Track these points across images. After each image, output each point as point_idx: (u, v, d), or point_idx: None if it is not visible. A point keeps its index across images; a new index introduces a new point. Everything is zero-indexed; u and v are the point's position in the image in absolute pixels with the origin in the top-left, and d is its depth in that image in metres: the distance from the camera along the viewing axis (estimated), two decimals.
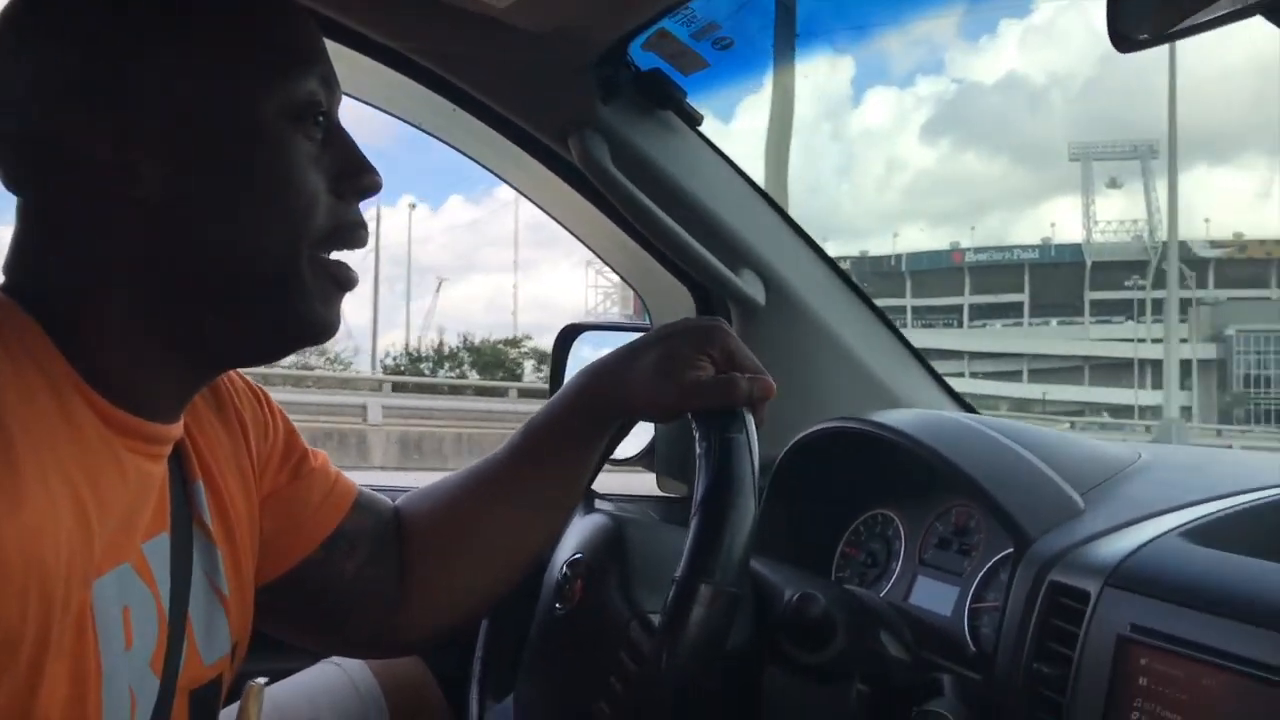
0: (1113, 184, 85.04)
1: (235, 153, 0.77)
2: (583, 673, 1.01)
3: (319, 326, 0.83)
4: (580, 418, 1.05)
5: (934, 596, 1.16)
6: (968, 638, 1.08)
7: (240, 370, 1.00)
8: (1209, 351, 73.83)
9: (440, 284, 76.15)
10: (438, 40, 1.28)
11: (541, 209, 1.56)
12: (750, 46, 1.32)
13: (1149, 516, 0.97)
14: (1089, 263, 77.21)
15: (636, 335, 1.63)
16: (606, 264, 1.64)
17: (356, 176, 0.84)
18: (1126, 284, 74.78)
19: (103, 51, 0.75)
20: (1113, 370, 70.49)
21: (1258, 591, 0.77)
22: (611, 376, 1.03)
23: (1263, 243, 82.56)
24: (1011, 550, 0.99)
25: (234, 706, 1.06)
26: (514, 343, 42.55)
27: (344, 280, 0.84)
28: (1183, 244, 79.78)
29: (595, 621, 1.02)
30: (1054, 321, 77.77)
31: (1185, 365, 75.51)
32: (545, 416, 1.06)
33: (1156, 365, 75.83)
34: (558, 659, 1.08)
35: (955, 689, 0.92)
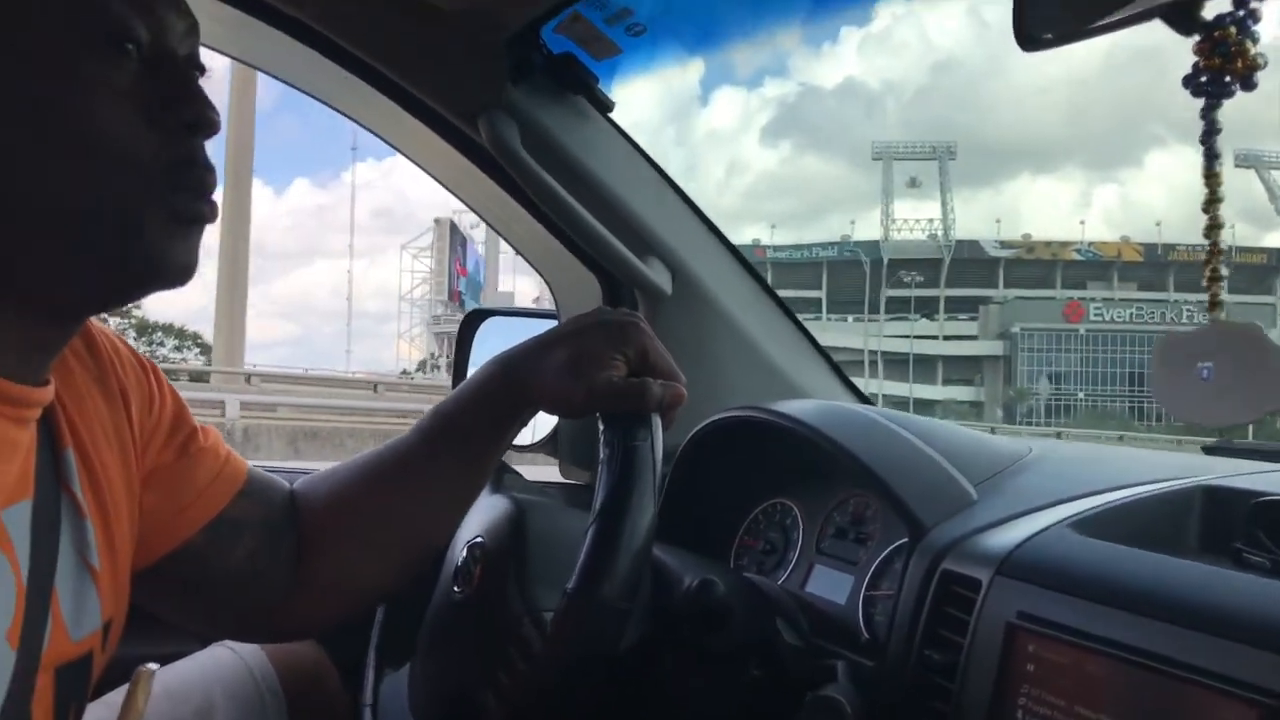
0: (912, 184, 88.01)
1: (22, 81, 0.72)
2: (474, 658, 1.01)
3: (163, 265, 0.78)
4: (488, 409, 1.03)
5: (830, 585, 1.17)
6: (862, 625, 1.09)
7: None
8: (996, 348, 77.02)
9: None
10: (343, 11, 1.25)
11: (449, 190, 1.54)
12: (663, 34, 1.31)
13: (1039, 508, 0.99)
14: (885, 260, 79.32)
15: (543, 323, 1.63)
16: (515, 249, 1.62)
17: (179, 108, 0.78)
18: (905, 280, 77.16)
19: None
20: (902, 365, 72.99)
21: (1140, 581, 0.80)
22: (521, 369, 1.01)
23: (1049, 244, 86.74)
24: (906, 540, 1.00)
25: (122, 689, 1.03)
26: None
27: (191, 215, 0.79)
28: (974, 243, 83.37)
29: (490, 611, 1.02)
30: (850, 318, 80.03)
31: (975, 361, 78.79)
32: (453, 403, 1.05)
33: (949, 361, 79.02)
34: (452, 642, 1.07)
35: (849, 675, 0.93)
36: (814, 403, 1.29)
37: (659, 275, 1.48)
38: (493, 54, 1.31)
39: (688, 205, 1.55)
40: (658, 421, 0.92)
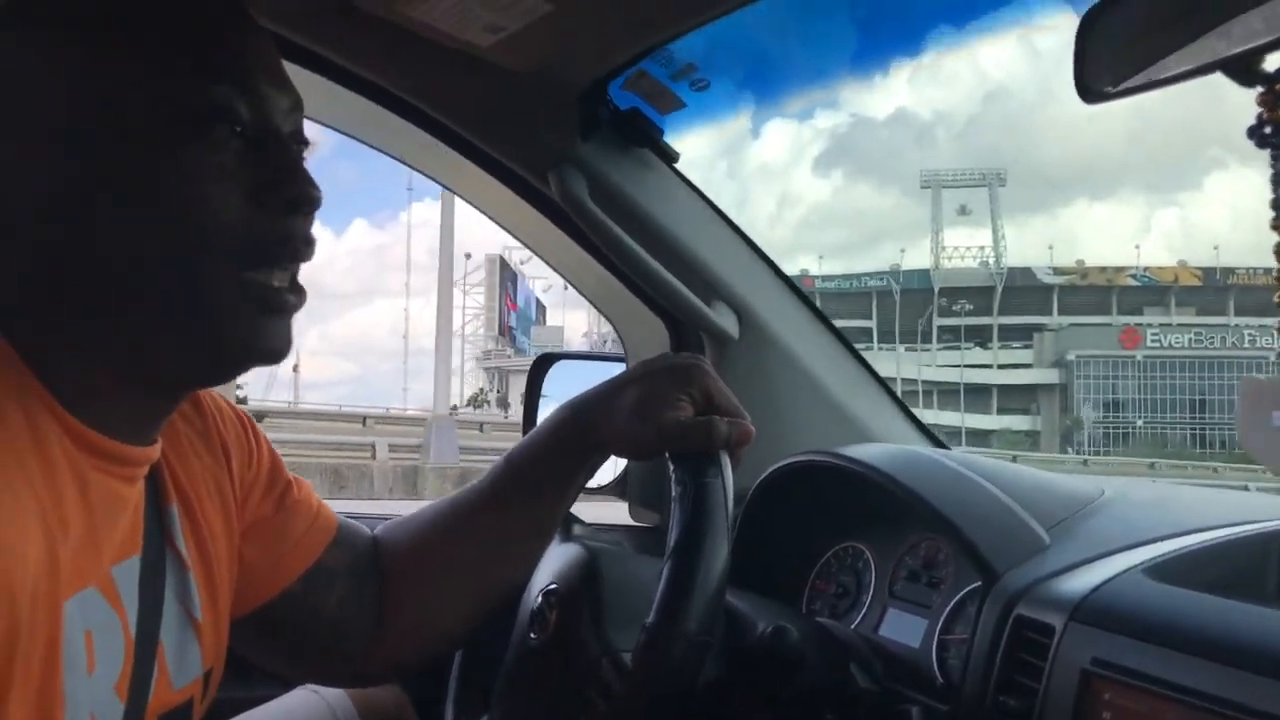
0: (962, 211, 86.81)
1: (122, 164, 0.74)
2: (554, 704, 1.03)
3: (246, 348, 0.80)
4: (559, 453, 1.06)
5: (903, 628, 1.18)
6: (936, 669, 1.10)
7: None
8: (1051, 376, 75.55)
9: None
10: (422, 77, 1.30)
11: (520, 240, 1.58)
12: (726, 87, 1.34)
13: (1112, 552, 1.00)
14: (936, 288, 78.23)
15: (611, 366, 1.66)
16: (583, 295, 1.66)
17: (282, 188, 0.79)
18: (954, 308, 76.02)
19: (3, 62, 0.75)
20: (955, 395, 71.83)
21: (1219, 628, 0.80)
22: (591, 413, 1.04)
23: (1103, 269, 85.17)
24: (979, 584, 1.01)
25: None
26: None
27: (272, 303, 0.80)
28: (1026, 270, 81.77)
29: (568, 655, 1.04)
30: (902, 348, 78.96)
31: (1030, 390, 77.26)
32: (524, 450, 1.08)
33: (1003, 390, 77.52)
34: (531, 689, 1.09)
35: None
36: (883, 447, 1.30)
37: (725, 320, 1.51)
38: (563, 112, 1.34)
39: (752, 249, 1.57)
40: (726, 460, 0.94)
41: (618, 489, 1.67)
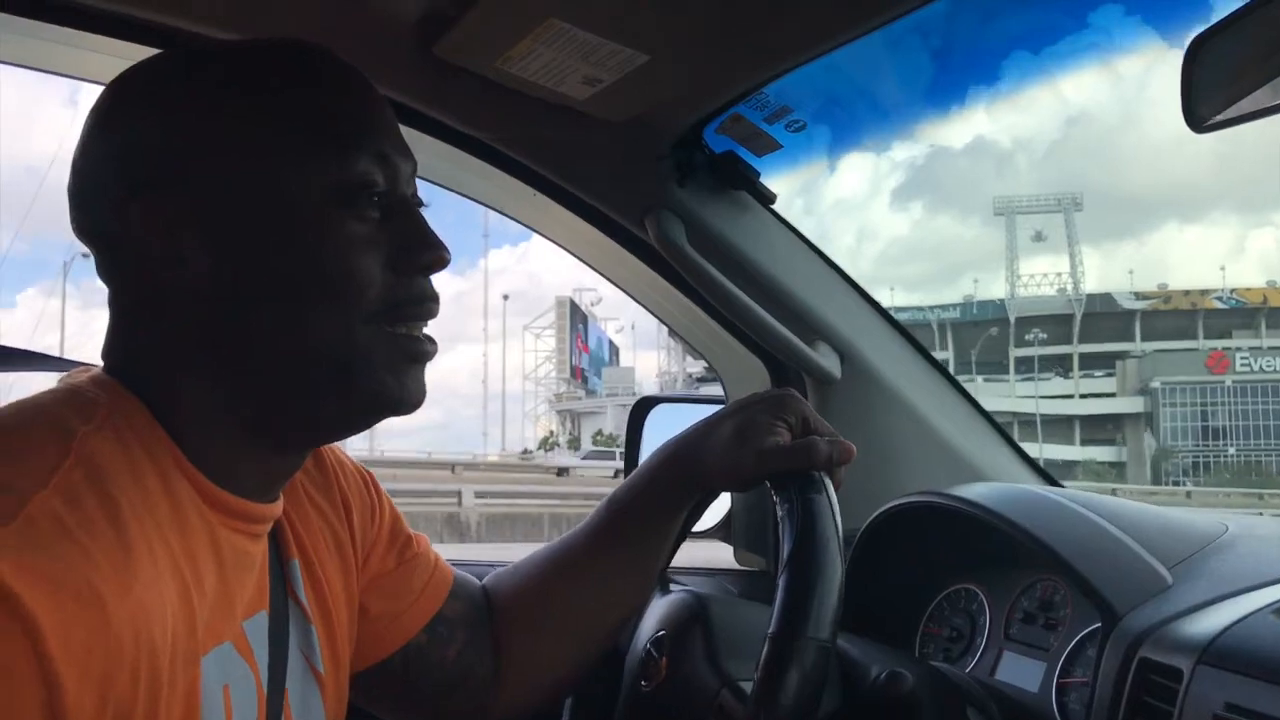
0: (1037, 238, 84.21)
1: (272, 239, 0.78)
2: None
3: (390, 400, 0.82)
4: (660, 493, 1.07)
5: (1021, 672, 1.15)
6: (1056, 714, 1.07)
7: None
8: (1136, 405, 72.54)
9: None
10: (520, 130, 1.32)
11: (618, 286, 1.59)
12: (822, 127, 1.34)
13: (1239, 592, 0.96)
14: (1012, 319, 75.87)
15: (710, 408, 1.66)
16: (682, 339, 1.66)
17: (417, 253, 0.82)
18: (1027, 338, 73.57)
19: (145, 146, 0.78)
20: (1035, 427, 69.51)
21: None
22: (690, 450, 1.05)
23: (1187, 293, 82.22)
24: (1099, 625, 0.98)
25: None
26: None
27: (415, 353, 0.83)
28: (1106, 296, 78.68)
29: (683, 695, 1.03)
30: (980, 379, 76.48)
31: (1115, 419, 73.99)
32: (626, 492, 1.09)
33: (1086, 420, 74.39)
34: None
35: None
36: (995, 486, 1.28)
37: (827, 360, 1.50)
38: (659, 159, 1.36)
39: (853, 288, 1.56)
40: (828, 480, 0.93)
41: (722, 532, 1.66)
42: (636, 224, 1.41)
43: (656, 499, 1.08)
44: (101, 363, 0.82)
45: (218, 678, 0.76)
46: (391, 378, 0.81)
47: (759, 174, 1.42)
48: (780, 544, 0.89)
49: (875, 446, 1.51)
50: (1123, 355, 77.02)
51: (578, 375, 69.74)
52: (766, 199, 1.46)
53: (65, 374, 0.83)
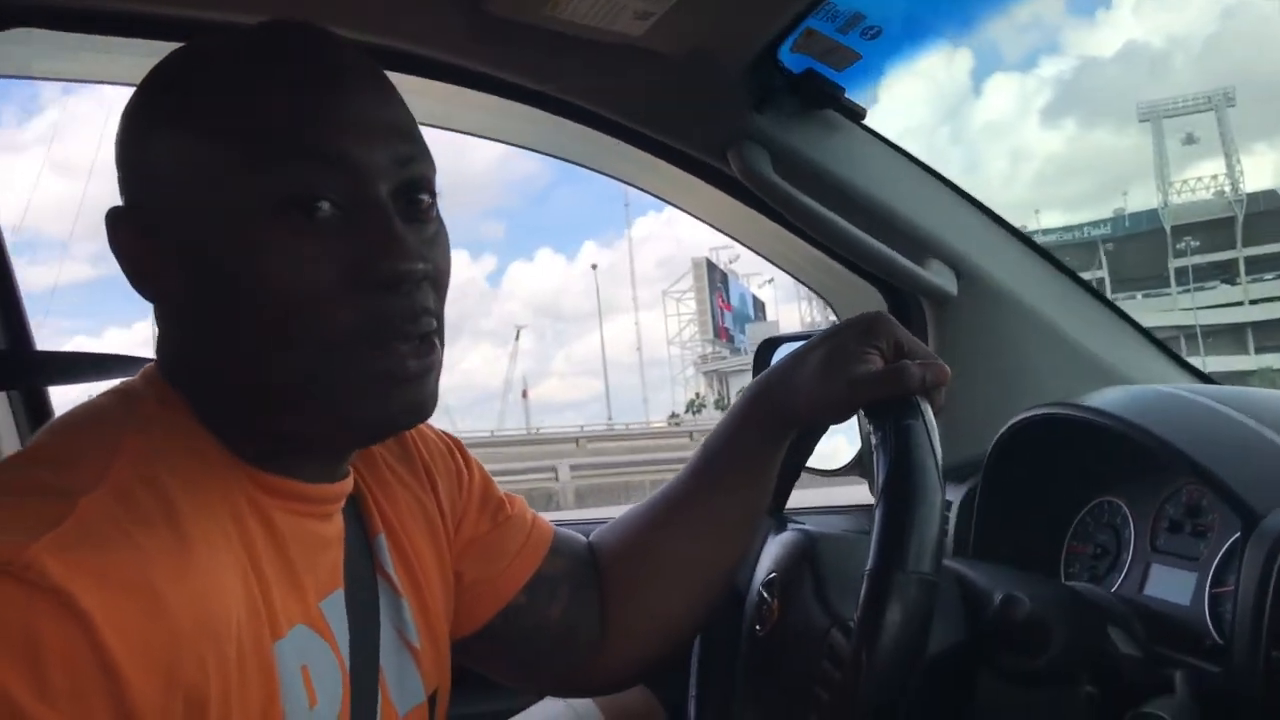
0: (1188, 140, 76.47)
1: (229, 259, 0.72)
2: (792, 690, 0.98)
3: (375, 424, 0.77)
4: (752, 433, 1.03)
5: (1171, 585, 1.06)
6: (1210, 627, 0.98)
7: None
8: None
9: (519, 332, 77.74)
10: (585, 78, 1.29)
11: (713, 226, 1.55)
12: (900, 30, 1.26)
13: None
14: (1168, 229, 69.83)
15: None
16: (787, 273, 1.60)
17: (378, 264, 0.72)
18: (1179, 247, 67.77)
19: (128, 161, 0.78)
20: (1209, 338, 64.32)
21: None
22: (778, 386, 1.01)
23: None
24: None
25: None
26: None
27: (396, 374, 0.75)
28: (1270, 193, 71.37)
29: (796, 636, 0.99)
30: (1139, 295, 69.89)
31: None
32: (719, 435, 1.05)
33: (1259, 327, 68.21)
34: (766, 680, 1.05)
35: (1189, 685, 0.83)
36: (1126, 390, 1.18)
37: (941, 277, 1.42)
38: (733, 87, 1.30)
39: (964, 199, 1.47)
40: (926, 405, 0.88)
41: (856, 469, 1.60)
42: (720, 159, 1.36)
43: (749, 440, 1.04)
44: None
45: (295, 659, 0.76)
46: (373, 403, 0.75)
47: (844, 89, 1.35)
48: (876, 474, 0.85)
49: (1003, 361, 1.44)
50: None
51: (722, 335, 69.15)
52: (856, 114, 1.39)
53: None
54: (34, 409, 1.38)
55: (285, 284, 0.71)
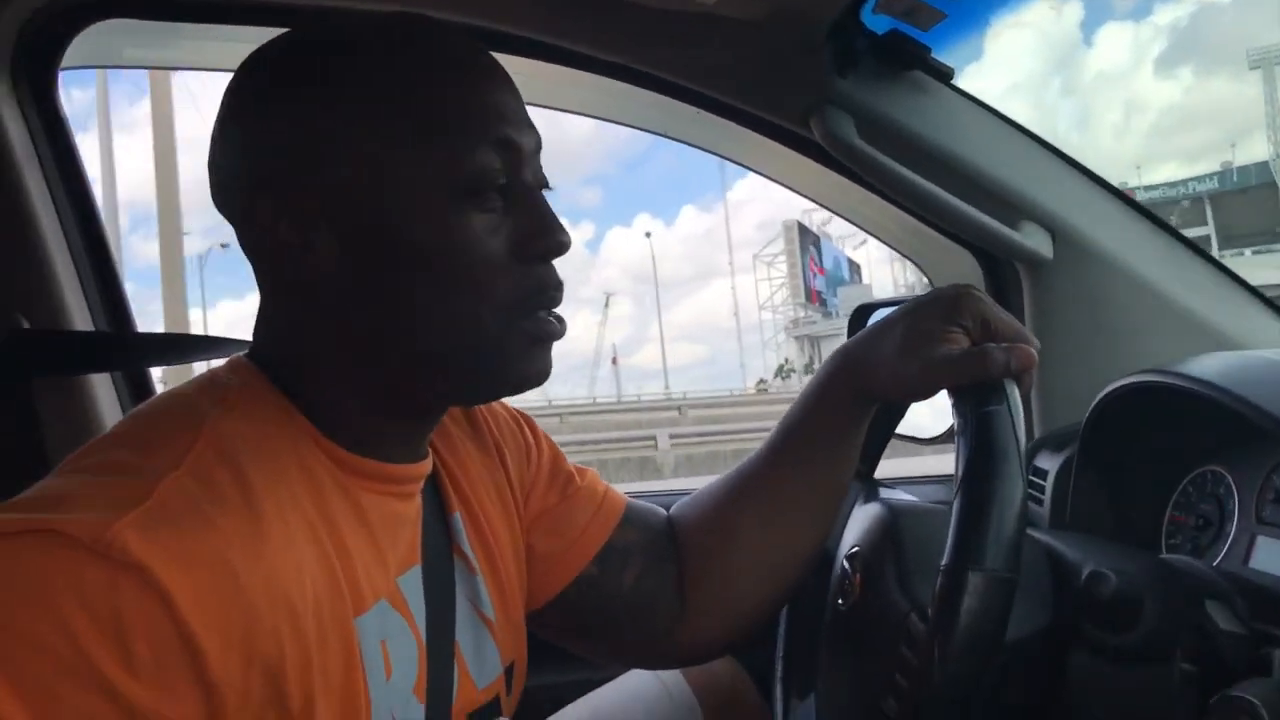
0: None
1: (398, 230, 0.77)
2: (871, 668, 0.97)
3: (521, 381, 0.82)
4: (832, 407, 1.01)
5: (1276, 559, 1.02)
6: None
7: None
8: None
9: (608, 299, 77.30)
10: (661, 48, 1.28)
11: (800, 193, 1.52)
12: None
13: None
14: None
15: None
16: (878, 240, 1.57)
17: (537, 240, 0.80)
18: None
19: (273, 132, 0.78)
20: None
21: None
22: (860, 360, 0.99)
23: None
24: None
25: None
26: None
27: (545, 335, 0.82)
28: None
29: (876, 615, 0.98)
30: (1248, 252, 64.09)
31: None
32: (796, 409, 1.04)
33: None
34: (846, 655, 1.04)
35: None
36: (1228, 355, 1.13)
37: (1036, 240, 1.37)
38: (814, 52, 1.28)
39: (1059, 158, 1.42)
40: (1012, 388, 0.85)
41: (952, 436, 1.57)
42: (803, 125, 1.33)
43: (829, 415, 1.02)
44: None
45: (375, 634, 0.78)
46: (520, 362, 0.81)
47: (930, 49, 1.31)
48: (956, 462, 0.83)
49: (1103, 325, 1.39)
50: None
51: (814, 298, 67.86)
52: (943, 74, 1.35)
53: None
54: (136, 389, 1.43)
55: (464, 257, 0.77)
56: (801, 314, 68.06)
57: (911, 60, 1.31)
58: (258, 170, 0.78)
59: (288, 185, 0.77)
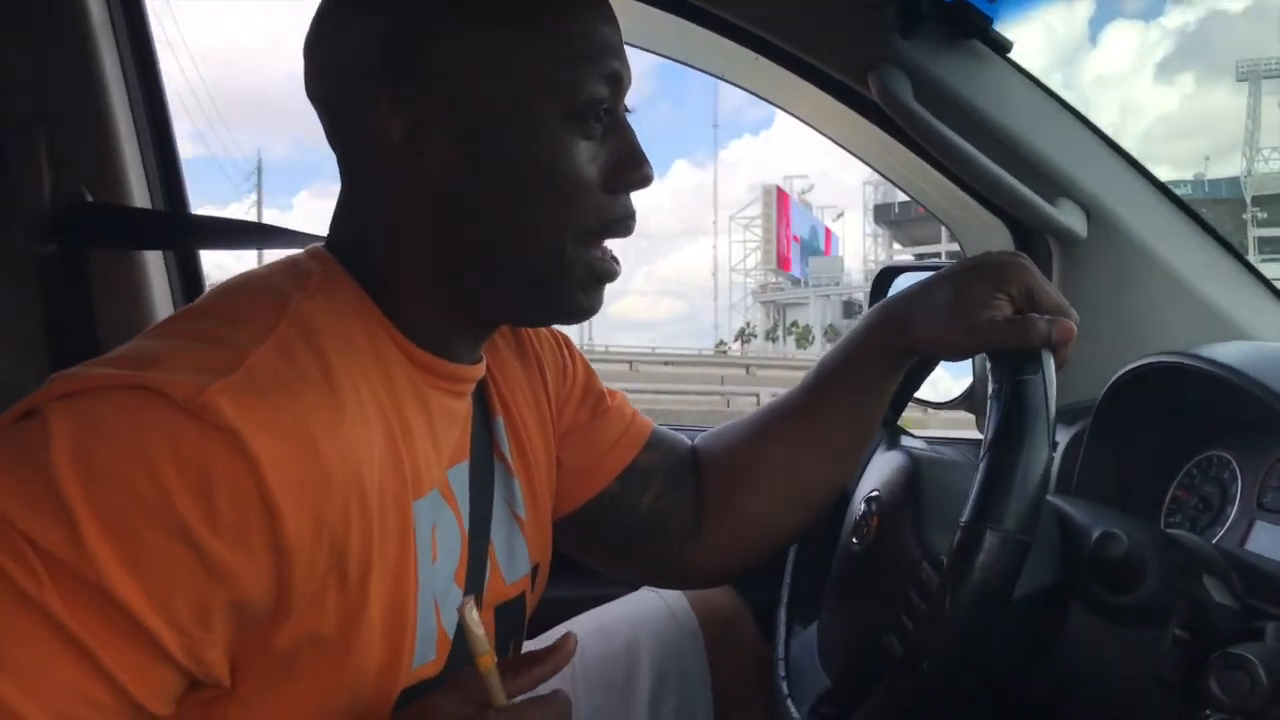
0: None
1: (512, 144, 0.81)
2: (877, 607, 1.02)
3: (576, 311, 0.87)
4: (870, 358, 1.05)
5: (1273, 543, 1.06)
6: None
7: None
8: None
9: None
10: None
11: (845, 149, 1.55)
12: None
13: None
14: (1248, 198, 64.16)
15: None
16: (917, 201, 1.60)
17: (629, 171, 0.85)
18: (1261, 217, 62.41)
19: (405, 32, 0.81)
20: None
21: None
22: (902, 315, 1.02)
23: None
24: None
25: (556, 629, 1.15)
26: None
27: (605, 274, 0.87)
28: None
29: (889, 558, 1.02)
30: None
31: None
32: (836, 356, 1.08)
33: None
34: (855, 593, 1.09)
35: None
36: (1248, 344, 1.18)
37: (1071, 218, 1.41)
38: (880, 10, 1.30)
39: (1103, 140, 1.45)
40: (1049, 358, 0.89)
41: (966, 403, 1.61)
42: (860, 81, 1.36)
43: (866, 364, 1.06)
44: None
45: (428, 519, 0.83)
46: (581, 294, 0.86)
47: (992, 20, 1.33)
48: (987, 423, 0.87)
49: (1127, 307, 1.43)
50: None
51: (784, 265, 67.38)
52: (1002, 46, 1.37)
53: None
54: (187, 273, 1.46)
55: (564, 175, 0.82)
56: (771, 279, 67.67)
57: (973, 30, 1.33)
58: (382, 64, 0.81)
59: (413, 84, 0.80)
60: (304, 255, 0.86)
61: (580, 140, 0.82)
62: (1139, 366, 1.20)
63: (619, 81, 0.85)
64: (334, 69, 0.84)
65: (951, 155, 1.36)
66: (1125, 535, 0.89)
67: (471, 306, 0.87)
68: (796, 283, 66.40)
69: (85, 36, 1.30)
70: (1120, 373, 1.23)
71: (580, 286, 0.85)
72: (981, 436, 1.61)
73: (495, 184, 0.82)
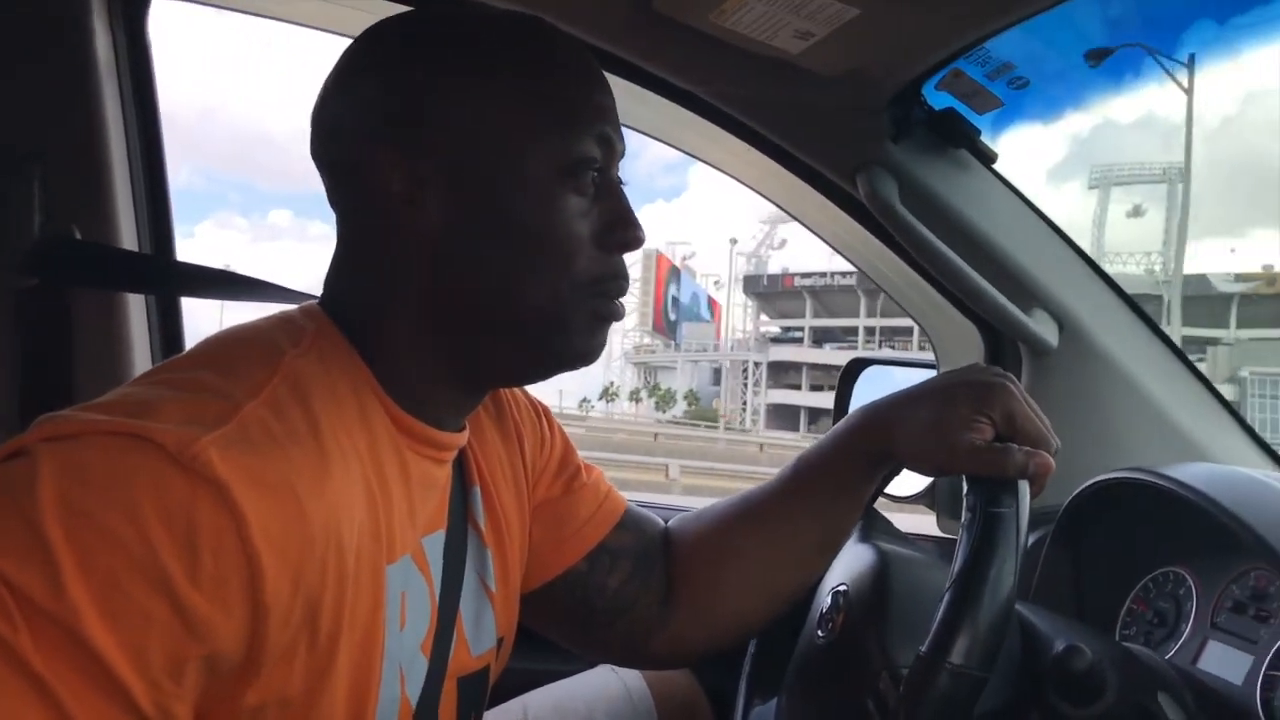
0: (1135, 212, 71.30)
1: (505, 201, 0.83)
2: (836, 705, 1.02)
3: (579, 356, 0.89)
4: (850, 461, 1.06)
5: (1225, 663, 1.08)
6: (1259, 709, 1.00)
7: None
8: (1225, 394, 61.70)
9: None
10: (734, 84, 1.33)
11: (827, 243, 1.58)
12: (1048, 84, 1.28)
13: None
14: None
15: (922, 372, 1.63)
16: (893, 300, 1.64)
17: (619, 232, 0.88)
18: None
19: (405, 94, 0.83)
20: None
21: None
22: (884, 423, 1.04)
23: None
24: None
25: (516, 700, 1.15)
26: None
27: (607, 314, 0.89)
28: (1201, 278, 67.65)
29: (852, 659, 1.03)
30: None
31: None
32: (815, 453, 1.09)
33: None
34: (815, 687, 1.10)
35: None
36: (1211, 466, 1.20)
37: (1043, 327, 1.44)
38: (874, 114, 1.34)
39: (1076, 253, 1.49)
40: (1024, 488, 0.90)
41: (926, 499, 1.64)
42: (848, 180, 1.39)
43: (846, 466, 1.08)
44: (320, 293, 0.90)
45: (398, 585, 0.83)
46: (582, 338, 0.88)
47: (979, 132, 1.38)
48: (956, 554, 0.87)
49: (1092, 419, 1.45)
50: (1214, 342, 67.22)
51: (660, 329, 68.17)
52: (988, 158, 1.42)
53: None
54: (167, 318, 1.46)
55: (559, 232, 0.84)
56: (645, 340, 68.33)
57: (962, 139, 1.38)
58: (384, 122, 0.83)
59: (412, 141, 0.82)
60: (299, 312, 0.87)
61: (572, 197, 0.85)
62: (1104, 480, 1.23)
63: (611, 145, 0.88)
64: (337, 130, 0.86)
65: (932, 258, 1.39)
66: (1087, 649, 0.91)
67: (466, 366, 0.88)
68: (668, 346, 67.19)
69: (89, 75, 1.31)
70: (1085, 485, 1.26)
71: (581, 331, 0.87)
72: (939, 535, 1.64)
73: (489, 237, 0.83)
